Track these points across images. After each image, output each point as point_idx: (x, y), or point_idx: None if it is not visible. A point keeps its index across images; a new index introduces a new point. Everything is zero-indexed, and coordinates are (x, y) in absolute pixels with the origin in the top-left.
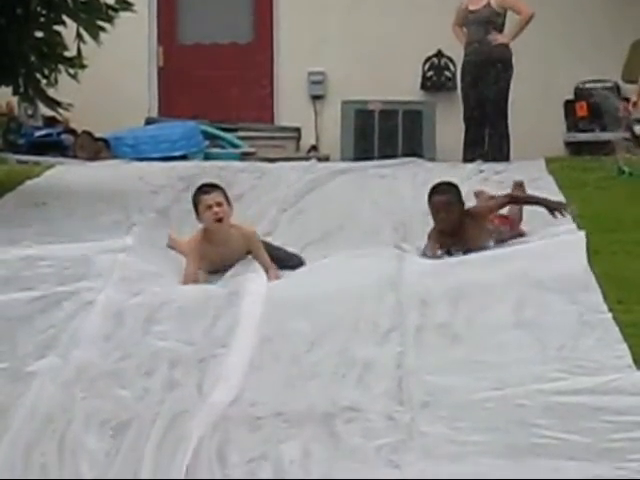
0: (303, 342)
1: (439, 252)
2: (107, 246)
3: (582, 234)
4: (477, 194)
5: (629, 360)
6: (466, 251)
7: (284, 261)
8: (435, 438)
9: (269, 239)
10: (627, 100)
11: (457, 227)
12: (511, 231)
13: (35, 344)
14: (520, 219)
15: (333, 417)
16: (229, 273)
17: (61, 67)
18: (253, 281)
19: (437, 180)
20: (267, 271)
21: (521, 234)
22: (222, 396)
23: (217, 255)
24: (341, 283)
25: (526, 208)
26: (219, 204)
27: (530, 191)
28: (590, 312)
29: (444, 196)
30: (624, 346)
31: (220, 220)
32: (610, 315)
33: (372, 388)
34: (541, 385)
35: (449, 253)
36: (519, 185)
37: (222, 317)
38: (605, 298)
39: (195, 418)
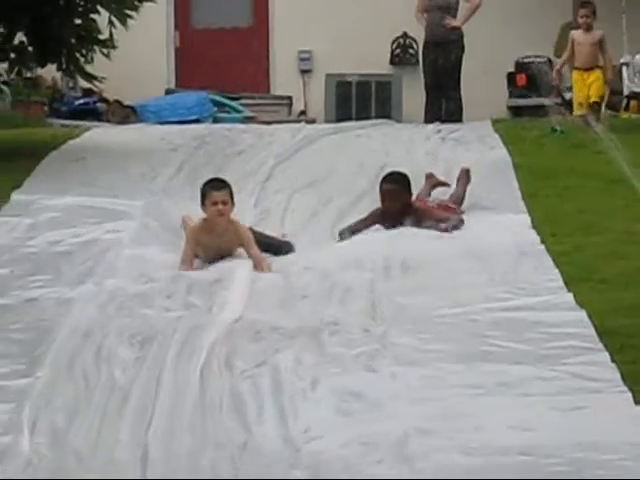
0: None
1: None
2: (134, 195)
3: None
4: (428, 176)
5: (561, 282)
6: None
7: (276, 248)
8: (403, 347)
9: (266, 185)
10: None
11: (399, 215)
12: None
13: (75, 274)
14: (461, 203)
15: (320, 331)
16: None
17: (96, 48)
18: (242, 266)
19: (390, 169)
20: (258, 264)
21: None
22: (229, 315)
23: (212, 244)
24: (324, 254)
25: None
26: (224, 202)
27: (479, 147)
28: (528, 245)
29: (394, 185)
30: (556, 271)
31: (222, 215)
32: (544, 247)
33: (351, 307)
34: (489, 304)
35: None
36: (466, 172)
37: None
38: (540, 233)
39: (207, 332)
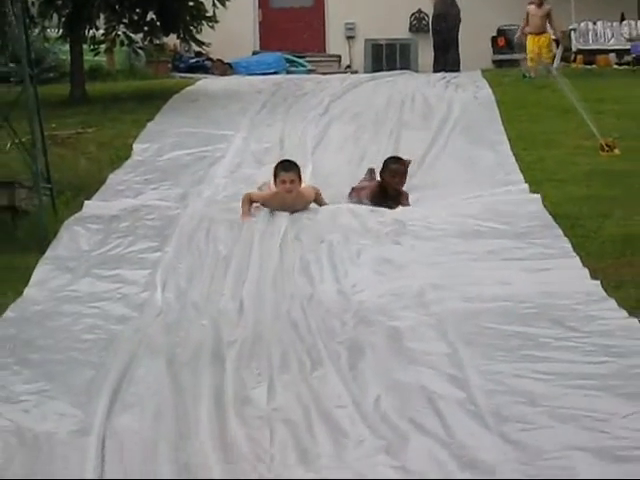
0: None
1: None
2: (232, 125)
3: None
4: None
5: (526, 185)
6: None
7: None
8: (419, 227)
9: (323, 116)
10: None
11: (395, 194)
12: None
13: (191, 180)
14: None
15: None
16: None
17: (203, 22)
18: None
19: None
20: (317, 201)
21: None
22: None
23: (278, 207)
24: None
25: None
26: (292, 181)
27: (472, 88)
28: (504, 157)
29: (402, 166)
30: (521, 177)
31: (289, 192)
32: (515, 158)
33: None
34: (474, 193)
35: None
36: (372, 171)
37: None
38: (514, 147)
39: (282, 219)
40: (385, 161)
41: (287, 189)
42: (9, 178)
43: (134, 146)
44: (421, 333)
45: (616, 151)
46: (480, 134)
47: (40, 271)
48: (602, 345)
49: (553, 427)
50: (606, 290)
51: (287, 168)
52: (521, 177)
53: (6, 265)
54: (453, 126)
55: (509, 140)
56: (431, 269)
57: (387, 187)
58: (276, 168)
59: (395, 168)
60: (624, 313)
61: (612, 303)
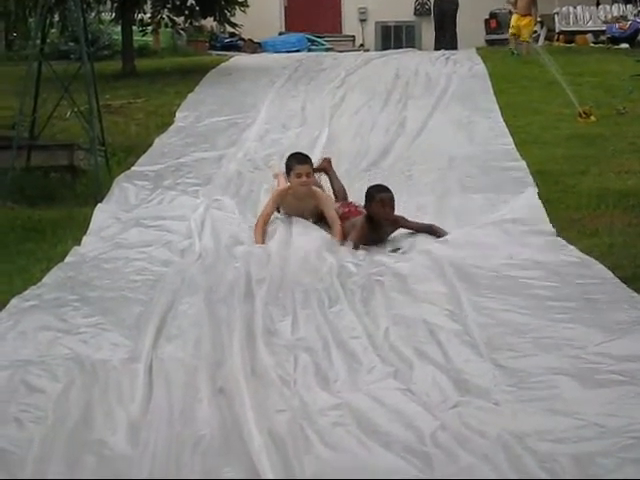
0: None
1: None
2: (261, 95)
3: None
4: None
5: (513, 145)
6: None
7: None
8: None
9: (339, 88)
10: None
11: (388, 225)
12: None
13: (225, 143)
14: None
15: None
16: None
17: (236, 7)
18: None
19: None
20: (333, 223)
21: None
22: None
23: (294, 206)
24: None
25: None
26: (308, 175)
27: (468, 63)
28: (495, 122)
29: (390, 194)
30: (510, 139)
31: (305, 186)
32: (504, 124)
33: None
34: (468, 154)
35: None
36: (328, 161)
37: None
38: (504, 114)
39: None
40: (368, 191)
41: (302, 183)
42: (69, 141)
43: (177, 114)
44: (423, 275)
45: (592, 118)
46: (475, 103)
47: (95, 222)
48: (576, 284)
49: (537, 355)
50: (582, 237)
51: (302, 161)
52: (510, 139)
53: (67, 216)
54: (451, 96)
55: (500, 108)
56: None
57: (378, 219)
58: (289, 161)
59: (383, 197)
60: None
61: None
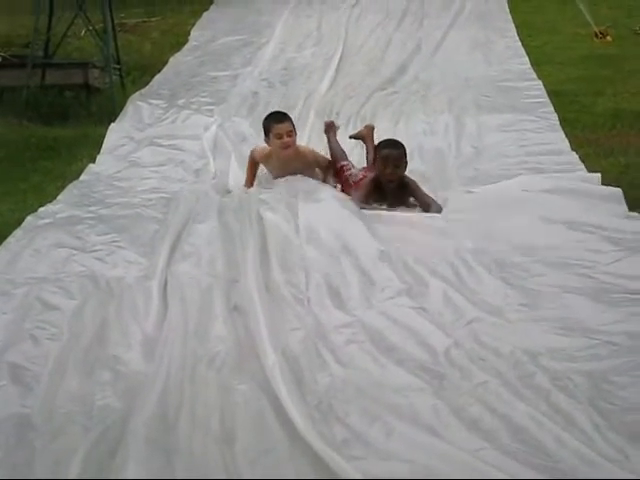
0: None
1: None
2: (275, 14)
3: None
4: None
5: (529, 65)
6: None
7: None
8: None
9: (355, 7)
10: None
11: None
12: None
13: (239, 60)
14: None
15: None
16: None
17: None
18: None
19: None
20: (323, 168)
21: None
22: None
23: (281, 169)
24: None
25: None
26: (289, 133)
27: None
28: (511, 42)
29: (397, 150)
30: (526, 59)
31: (288, 147)
32: (520, 43)
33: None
34: (486, 72)
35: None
36: (371, 129)
37: None
38: (520, 34)
39: None
40: (377, 145)
41: (284, 144)
42: (84, 60)
43: (191, 33)
44: None
45: (608, 38)
46: (491, 22)
47: (110, 140)
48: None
49: (547, 274)
50: (598, 158)
51: (280, 119)
52: (526, 59)
53: (81, 135)
54: (468, 15)
55: (516, 28)
56: None
57: (382, 179)
58: (266, 122)
59: (386, 154)
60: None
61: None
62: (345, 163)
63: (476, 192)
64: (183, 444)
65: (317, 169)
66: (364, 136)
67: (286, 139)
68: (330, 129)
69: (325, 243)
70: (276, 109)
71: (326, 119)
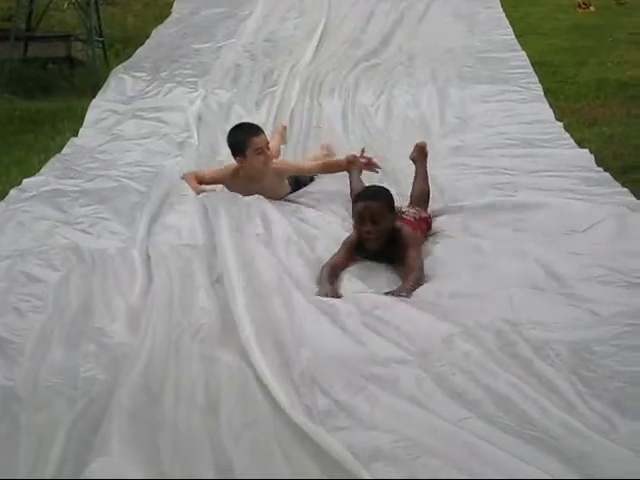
0: None
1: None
2: None
3: None
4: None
5: (513, 36)
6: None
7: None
8: None
9: None
10: None
11: (382, 246)
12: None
13: (222, 33)
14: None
15: None
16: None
17: None
18: None
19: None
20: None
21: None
22: None
23: (247, 186)
24: None
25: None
26: (267, 146)
27: None
28: (495, 13)
29: (375, 203)
30: (510, 29)
31: (268, 161)
32: (504, 14)
33: None
34: (471, 44)
35: None
36: (421, 149)
37: None
38: (503, 5)
39: None
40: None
41: (267, 158)
42: (66, 32)
43: (174, 5)
44: None
45: (591, 8)
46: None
47: (92, 113)
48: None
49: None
50: (582, 127)
51: (257, 131)
52: (510, 30)
53: (64, 108)
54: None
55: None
56: None
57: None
58: (240, 137)
59: (360, 208)
60: None
61: None
62: None
63: (466, 210)
64: (167, 417)
65: (286, 180)
66: (414, 159)
67: (268, 152)
68: (353, 165)
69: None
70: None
71: (350, 155)
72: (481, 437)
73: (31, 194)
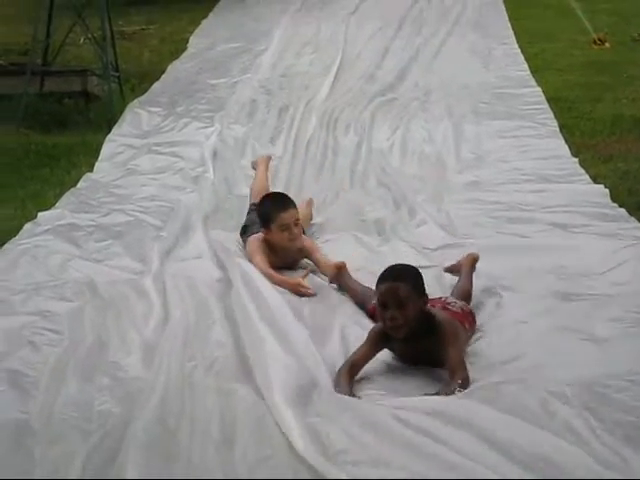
0: None
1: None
2: (274, 24)
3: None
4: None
5: (529, 72)
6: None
7: None
8: None
9: (353, 15)
10: None
11: (409, 333)
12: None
13: (238, 68)
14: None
15: None
16: None
17: None
18: None
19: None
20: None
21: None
22: None
23: (276, 261)
24: None
25: None
26: (296, 223)
27: None
28: (510, 49)
29: (400, 284)
30: (525, 65)
31: (295, 240)
32: (519, 50)
33: None
34: (485, 80)
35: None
36: (473, 260)
37: None
38: (519, 41)
39: None
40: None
41: (293, 237)
42: (83, 67)
43: (190, 40)
44: None
45: (607, 44)
46: (489, 29)
47: (108, 148)
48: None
49: None
50: (597, 163)
51: (285, 205)
52: (525, 66)
53: (80, 142)
54: (466, 22)
55: (515, 35)
56: None
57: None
58: (267, 210)
59: (383, 290)
60: None
61: None
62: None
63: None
64: (182, 450)
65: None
66: (459, 268)
67: (295, 230)
68: (339, 273)
69: None
70: (279, 193)
71: (334, 265)
72: (493, 469)
73: (46, 228)
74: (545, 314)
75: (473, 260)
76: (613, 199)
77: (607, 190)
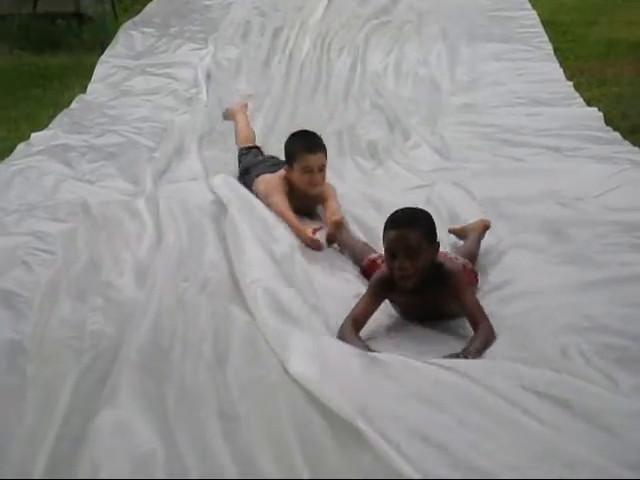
0: None
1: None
2: None
3: None
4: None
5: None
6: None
7: None
8: None
9: None
10: None
11: (419, 284)
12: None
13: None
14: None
15: None
16: None
17: None
18: None
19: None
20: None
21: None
22: None
23: (292, 202)
24: None
25: None
26: (321, 168)
27: None
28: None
29: (409, 231)
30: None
31: (316, 186)
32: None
33: None
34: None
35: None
36: (484, 227)
37: None
38: None
39: None
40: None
41: (313, 181)
42: None
43: None
44: None
45: None
46: None
47: (101, 69)
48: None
49: None
50: (591, 87)
51: (314, 147)
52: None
53: (73, 64)
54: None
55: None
56: None
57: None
58: (294, 147)
59: (392, 238)
60: None
61: None
62: (375, 256)
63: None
64: (175, 370)
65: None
66: (467, 233)
67: (317, 175)
68: (336, 232)
69: None
70: (306, 133)
71: (328, 226)
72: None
73: (39, 148)
74: (540, 243)
75: (484, 227)
76: (607, 122)
77: (601, 113)
